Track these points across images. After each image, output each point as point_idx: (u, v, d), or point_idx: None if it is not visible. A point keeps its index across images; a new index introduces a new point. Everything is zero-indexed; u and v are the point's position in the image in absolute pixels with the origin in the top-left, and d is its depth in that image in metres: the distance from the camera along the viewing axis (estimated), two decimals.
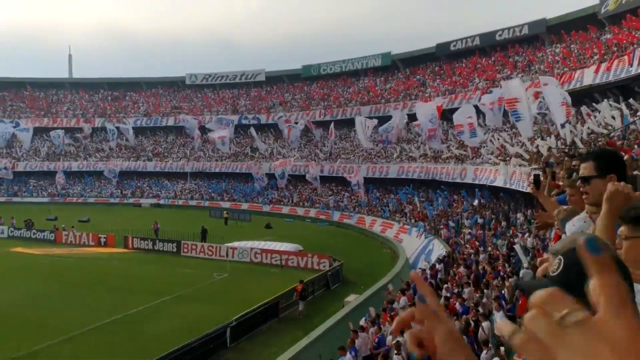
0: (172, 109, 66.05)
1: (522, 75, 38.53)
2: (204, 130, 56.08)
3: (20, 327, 16.92)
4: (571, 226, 3.06)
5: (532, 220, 18.85)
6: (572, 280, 1.22)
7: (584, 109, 26.29)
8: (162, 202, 54.77)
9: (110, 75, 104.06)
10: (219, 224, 39.88)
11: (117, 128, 59.53)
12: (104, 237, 33.18)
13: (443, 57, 52.14)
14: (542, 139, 25.18)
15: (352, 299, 18.58)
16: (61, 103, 70.05)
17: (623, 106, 23.66)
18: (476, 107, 31.58)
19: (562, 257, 1.31)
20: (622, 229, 1.94)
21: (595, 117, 24.56)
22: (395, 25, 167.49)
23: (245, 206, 49.43)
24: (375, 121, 41.97)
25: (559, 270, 1.29)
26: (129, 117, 63.82)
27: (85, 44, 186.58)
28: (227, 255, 28.13)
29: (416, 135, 43.50)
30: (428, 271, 18.99)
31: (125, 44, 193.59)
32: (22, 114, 66.94)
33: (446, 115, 38.03)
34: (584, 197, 2.68)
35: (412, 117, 44.70)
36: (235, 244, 29.67)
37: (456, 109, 35.50)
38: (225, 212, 44.25)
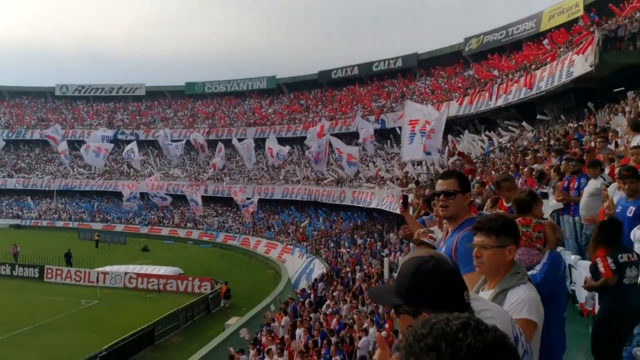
0: (39, 121, 60.67)
1: (395, 105, 41.26)
2: (73, 145, 51.98)
3: None
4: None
5: (403, 239, 20.12)
6: (397, 285, 1.51)
7: (449, 137, 28.76)
8: (23, 222, 49.75)
9: None
10: (89, 247, 37.11)
11: None
12: None
13: (325, 84, 54.13)
14: (414, 165, 26.99)
15: (234, 322, 18.27)
16: None
17: (484, 137, 26.32)
18: (355, 134, 32.85)
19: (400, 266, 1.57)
20: (483, 239, 2.19)
21: (459, 145, 26.99)
22: (281, 50, 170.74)
23: (120, 228, 46.52)
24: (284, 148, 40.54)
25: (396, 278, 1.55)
26: None
27: None
28: (97, 281, 26.31)
29: (301, 157, 44.41)
30: (308, 290, 19.34)
31: None
32: None
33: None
34: (443, 209, 2.81)
35: (293, 140, 45.63)
36: (107, 268, 27.85)
37: (337, 134, 36.90)
38: (96, 234, 41.24)
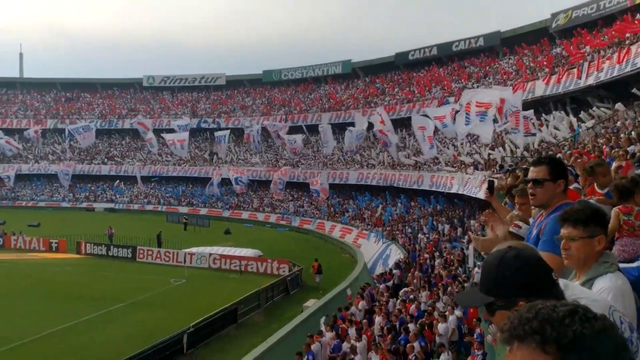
0: (129, 111, 64.56)
1: (477, 85, 39.70)
2: (160, 133, 54.89)
3: None
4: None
5: (485, 225, 19.47)
6: (486, 283, 1.47)
7: (534, 119, 27.28)
8: (116, 206, 53.41)
9: (63, 75, 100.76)
10: (177, 230, 39.22)
11: (74, 130, 57.34)
12: (56, 242, 32.09)
13: (402, 66, 53.13)
14: (503, 148, 25.91)
15: (311, 304, 18.60)
16: (11, 103, 67.34)
17: (571, 117, 24.75)
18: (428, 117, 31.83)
19: (481, 265, 1.55)
20: (570, 231, 2.12)
21: (547, 126, 25.57)
22: (355, 33, 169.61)
23: (204, 211, 48.78)
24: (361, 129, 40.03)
25: (479, 277, 1.52)
26: (83, 119, 61.91)
27: (38, 42, 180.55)
28: (184, 261, 27.68)
29: (375, 142, 44.04)
30: (385, 276, 19.25)
31: (80, 44, 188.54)
32: None
33: (405, 123, 38.65)
34: (531, 197, 2.81)
35: (370, 125, 45.05)
36: (194, 249, 29.26)
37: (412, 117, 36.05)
38: (184, 217, 43.56)
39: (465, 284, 13.80)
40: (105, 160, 59.83)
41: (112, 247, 31.29)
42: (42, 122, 62.42)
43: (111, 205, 53.81)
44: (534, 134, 23.53)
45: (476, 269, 14.49)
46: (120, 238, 33.28)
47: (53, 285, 23.22)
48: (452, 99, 39.20)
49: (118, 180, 56.88)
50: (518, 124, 22.21)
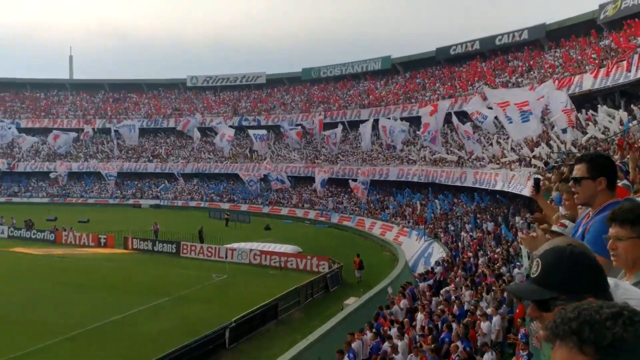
0: (173, 111, 66.16)
1: (522, 80, 38.64)
2: (204, 132, 56.21)
3: (20, 327, 16.95)
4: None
5: (531, 224, 18.92)
6: (550, 278, 1.39)
7: (582, 114, 26.36)
8: (162, 203, 54.85)
9: (111, 76, 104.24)
10: (219, 225, 39.95)
11: (118, 130, 59.36)
12: (104, 238, 33.24)
13: (443, 61, 52.27)
14: (548, 144, 25.16)
15: (352, 302, 18.58)
16: (61, 104, 70.10)
17: (620, 111, 23.76)
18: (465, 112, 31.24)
19: (539, 259, 1.44)
20: (618, 231, 2.03)
21: (595, 122, 24.65)
22: (395, 29, 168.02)
23: (244, 207, 49.50)
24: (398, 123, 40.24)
25: (538, 271, 1.42)
26: (130, 118, 63.85)
27: (86, 44, 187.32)
28: (226, 257, 28.16)
29: (416, 137, 43.57)
30: (427, 275, 19.04)
31: (126, 45, 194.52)
32: (22, 114, 66.97)
33: (447, 118, 37.90)
34: (574, 196, 2.81)
35: (410, 120, 44.55)
36: (235, 245, 29.73)
37: (455, 113, 35.49)
38: (226, 213, 44.36)
39: (510, 283, 13.49)
40: (151, 158, 61.50)
41: (157, 242, 32.15)
42: (91, 122, 64.71)
43: (156, 201, 55.31)
44: (564, 130, 22.68)
45: (516, 269, 14.17)
46: (165, 234, 34.18)
47: (102, 279, 24.11)
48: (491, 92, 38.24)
49: (165, 181, 58.38)
50: (570, 122, 21.56)
